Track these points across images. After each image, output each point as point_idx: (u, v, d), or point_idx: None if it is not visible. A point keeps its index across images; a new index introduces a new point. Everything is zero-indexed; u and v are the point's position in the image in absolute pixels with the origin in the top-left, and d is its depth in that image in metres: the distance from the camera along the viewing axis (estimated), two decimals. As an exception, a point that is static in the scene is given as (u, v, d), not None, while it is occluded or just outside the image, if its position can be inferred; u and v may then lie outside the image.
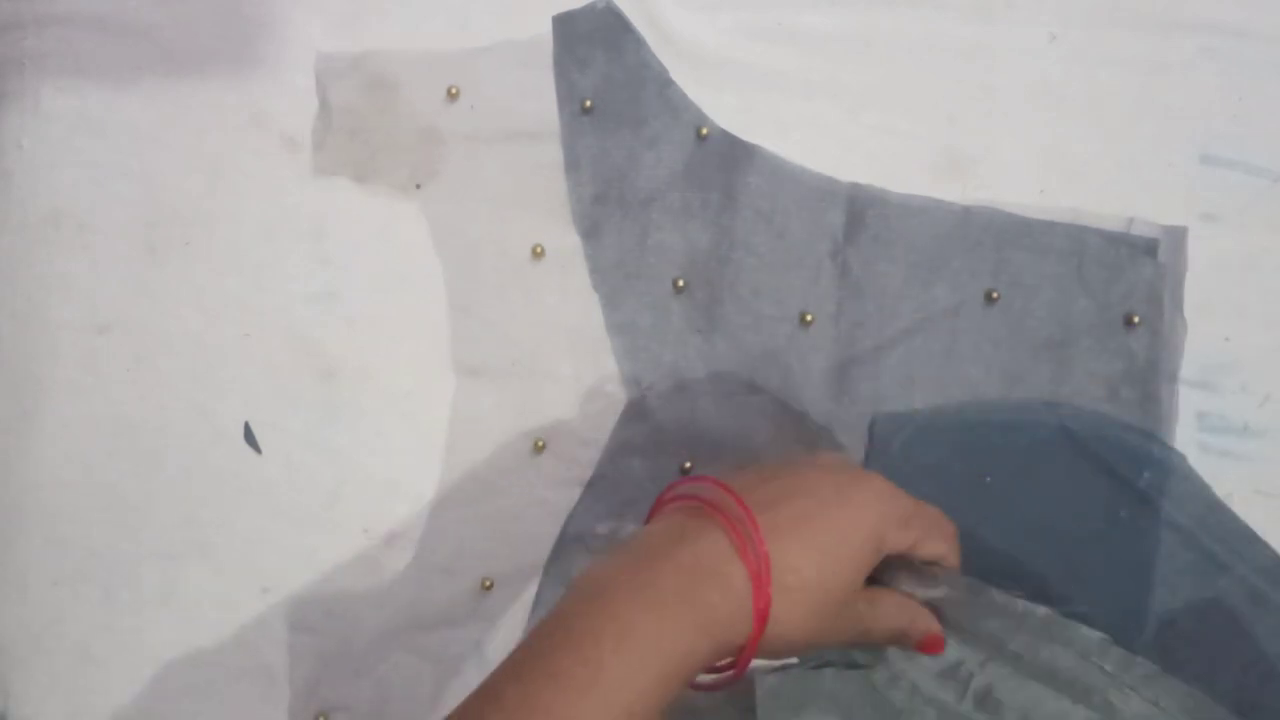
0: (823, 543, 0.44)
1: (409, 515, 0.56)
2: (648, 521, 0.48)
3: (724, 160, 0.57)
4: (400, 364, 0.56)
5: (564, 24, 0.56)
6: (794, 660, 0.48)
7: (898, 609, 0.47)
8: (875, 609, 0.47)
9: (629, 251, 0.57)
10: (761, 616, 0.43)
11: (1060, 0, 0.58)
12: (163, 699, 0.55)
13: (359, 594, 0.55)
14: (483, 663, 0.56)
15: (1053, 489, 0.56)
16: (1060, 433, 0.56)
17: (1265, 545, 0.56)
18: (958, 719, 0.47)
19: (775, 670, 0.48)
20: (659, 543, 0.44)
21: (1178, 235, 0.57)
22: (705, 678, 0.45)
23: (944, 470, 0.56)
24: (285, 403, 0.56)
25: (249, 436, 0.56)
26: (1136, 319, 0.57)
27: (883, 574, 0.48)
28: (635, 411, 0.56)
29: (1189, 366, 0.57)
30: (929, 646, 0.47)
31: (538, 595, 0.56)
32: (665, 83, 0.57)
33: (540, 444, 0.56)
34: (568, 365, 0.56)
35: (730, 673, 0.44)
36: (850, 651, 0.49)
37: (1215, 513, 0.56)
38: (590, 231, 0.57)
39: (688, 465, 0.57)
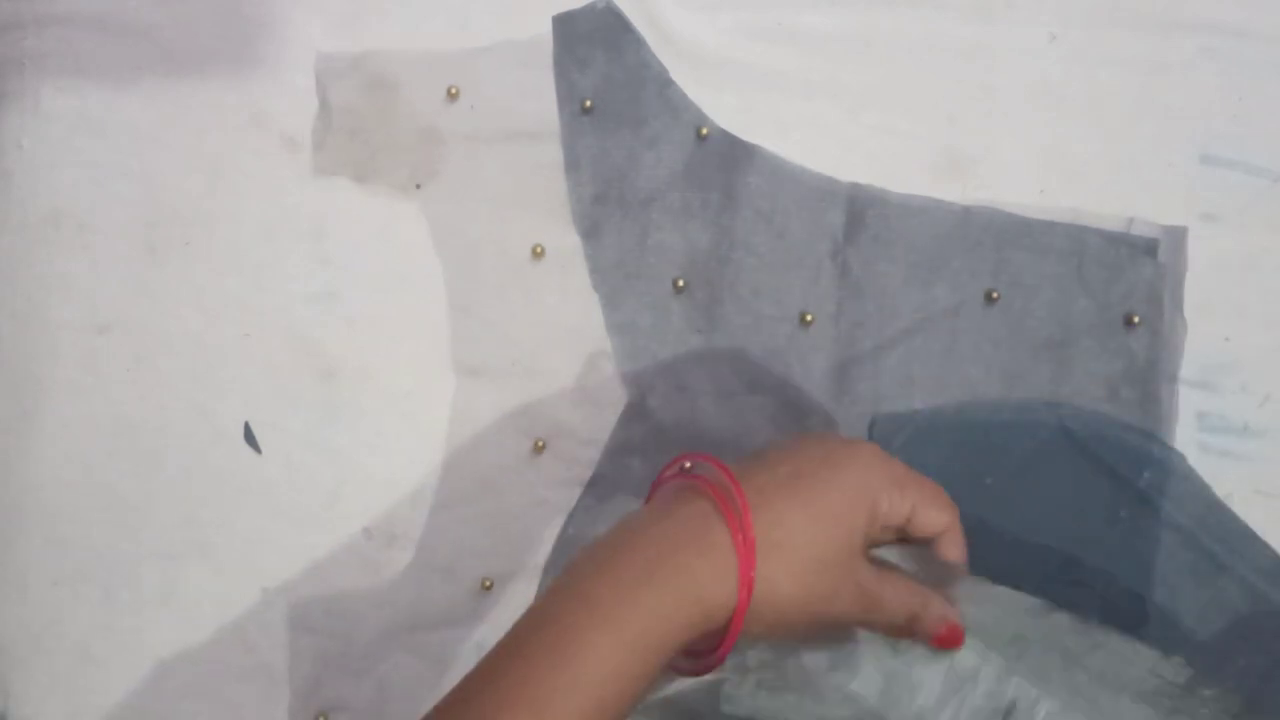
0: (810, 499, 0.43)
1: (409, 515, 0.56)
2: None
3: (724, 160, 0.57)
4: (400, 364, 0.56)
5: (564, 24, 0.56)
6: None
7: (910, 591, 0.45)
8: (883, 584, 0.44)
9: (629, 251, 0.57)
10: (748, 578, 0.41)
11: (1060, 0, 0.58)
12: (163, 699, 0.55)
13: (359, 594, 0.55)
14: (483, 663, 0.56)
15: (1053, 489, 0.56)
16: (1060, 433, 0.56)
17: (1265, 545, 0.56)
18: None
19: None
20: (640, 520, 0.44)
21: (1178, 235, 0.57)
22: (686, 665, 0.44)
23: (944, 470, 0.56)
24: (285, 403, 0.56)
25: (249, 436, 0.56)
26: (1136, 319, 0.57)
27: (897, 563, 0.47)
28: (635, 411, 0.56)
29: (1189, 366, 0.57)
30: (947, 639, 0.45)
31: (538, 595, 0.56)
32: (665, 83, 0.57)
33: (540, 444, 0.56)
34: (568, 365, 0.56)
35: (718, 651, 0.43)
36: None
37: (1215, 513, 0.56)
38: (590, 231, 0.57)
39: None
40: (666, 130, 0.57)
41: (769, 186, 0.57)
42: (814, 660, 0.46)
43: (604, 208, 0.57)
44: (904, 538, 0.47)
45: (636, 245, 0.57)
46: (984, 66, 0.58)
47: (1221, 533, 0.56)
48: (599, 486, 0.56)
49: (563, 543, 0.56)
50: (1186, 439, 0.57)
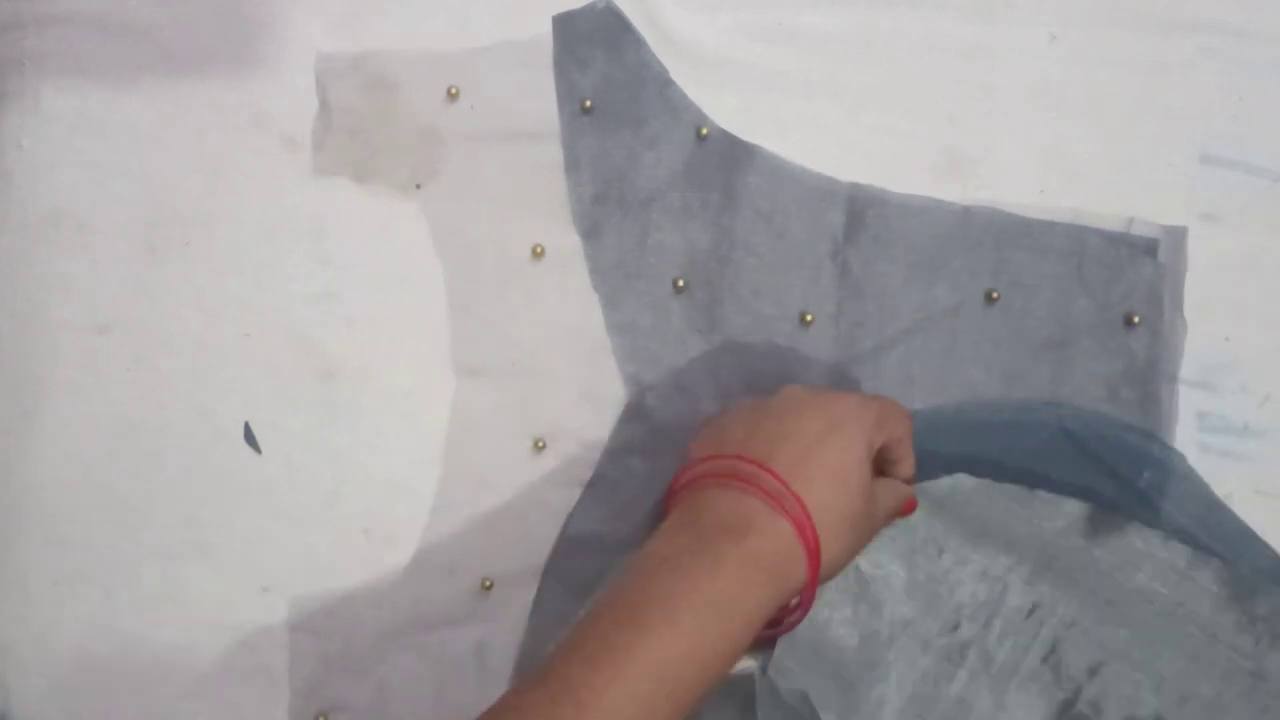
0: (834, 470, 0.48)
1: (409, 515, 0.56)
2: (666, 512, 0.49)
3: (724, 160, 0.57)
4: (400, 364, 0.56)
5: (564, 24, 0.56)
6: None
7: (897, 487, 0.52)
8: (887, 497, 0.51)
9: (629, 251, 0.57)
10: (814, 555, 0.46)
11: (1060, 0, 0.58)
12: (163, 699, 0.55)
13: (359, 594, 0.55)
14: (483, 663, 0.56)
15: (1053, 489, 0.56)
16: (1060, 433, 0.56)
17: (1265, 545, 0.56)
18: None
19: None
20: (696, 517, 0.47)
21: (1178, 235, 0.57)
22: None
23: (944, 470, 0.56)
24: (285, 403, 0.56)
25: (249, 436, 0.56)
26: (1136, 319, 0.57)
27: None
28: (635, 411, 0.56)
29: (1189, 366, 0.57)
30: (909, 510, 0.53)
31: (538, 595, 0.56)
32: (665, 83, 0.57)
33: (540, 444, 0.56)
34: (568, 365, 0.56)
35: (797, 614, 0.48)
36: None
37: (1215, 513, 0.56)
38: (590, 231, 0.57)
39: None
40: (666, 130, 0.57)
41: (769, 186, 0.57)
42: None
43: (604, 208, 0.57)
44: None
45: (636, 245, 0.57)
46: (984, 66, 0.58)
47: (1221, 533, 0.56)
48: (599, 486, 0.56)
49: (563, 543, 0.56)
50: (1186, 439, 0.57)
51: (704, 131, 0.57)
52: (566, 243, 0.57)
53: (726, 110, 0.57)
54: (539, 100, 0.56)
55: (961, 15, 0.58)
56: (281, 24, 0.56)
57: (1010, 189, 0.57)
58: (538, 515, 0.56)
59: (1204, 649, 0.54)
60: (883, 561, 0.55)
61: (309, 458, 0.56)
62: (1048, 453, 0.56)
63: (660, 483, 0.56)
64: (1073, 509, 0.55)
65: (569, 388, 0.56)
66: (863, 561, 0.54)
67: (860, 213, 0.57)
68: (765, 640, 0.52)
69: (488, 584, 0.56)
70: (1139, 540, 0.55)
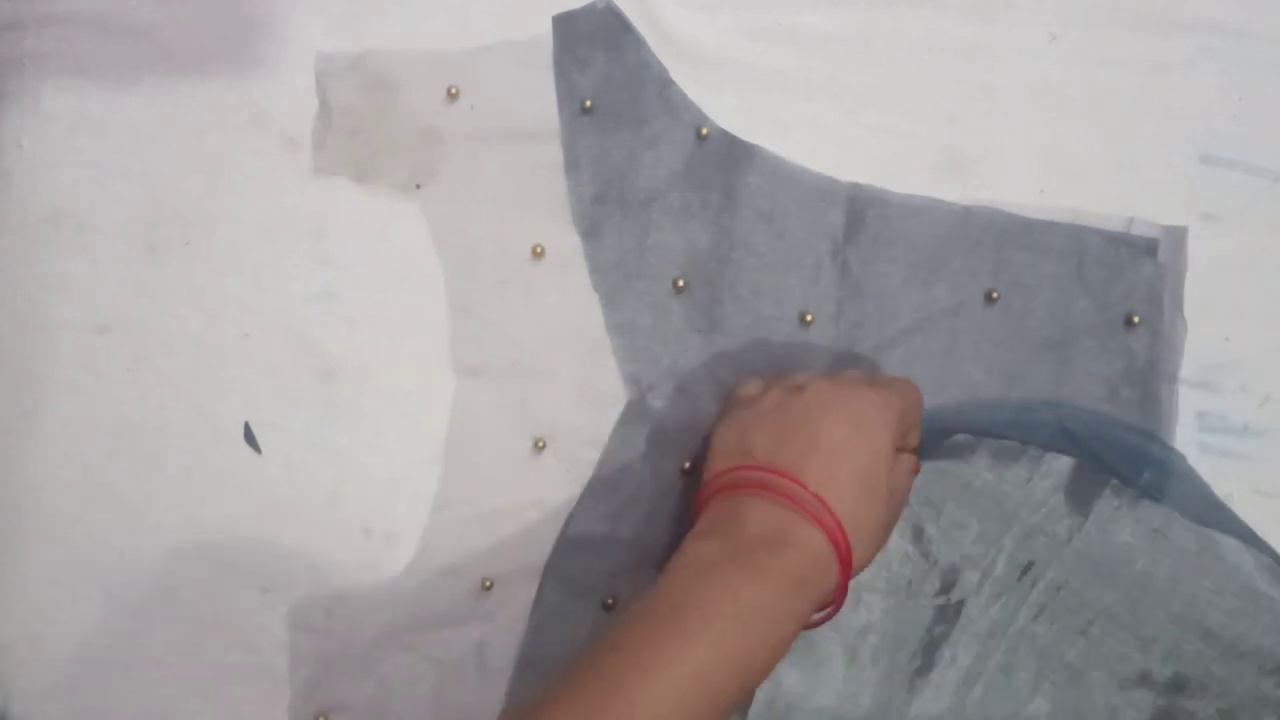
0: (863, 477, 0.48)
1: (409, 515, 0.56)
2: (696, 514, 0.50)
3: (724, 160, 0.57)
4: (400, 364, 0.56)
5: (564, 24, 0.56)
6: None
7: (912, 464, 0.52)
8: (906, 481, 0.51)
9: (629, 251, 0.57)
10: (846, 563, 0.47)
11: (1060, 0, 0.58)
12: (163, 699, 0.55)
13: (359, 594, 0.55)
14: (483, 663, 0.56)
15: (1053, 489, 0.56)
16: (1060, 433, 0.56)
17: (1265, 545, 0.56)
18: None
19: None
20: (734, 526, 0.47)
21: (1178, 235, 0.57)
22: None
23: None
24: (285, 403, 0.56)
25: (249, 436, 0.56)
26: (1136, 319, 0.57)
27: None
28: (635, 411, 0.56)
29: (1189, 366, 0.57)
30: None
31: (538, 595, 0.56)
32: (665, 83, 0.57)
33: (540, 444, 0.56)
34: (568, 365, 0.56)
35: (830, 609, 0.49)
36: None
37: (1215, 513, 0.56)
38: (590, 231, 0.57)
39: (687, 465, 0.57)
40: (666, 130, 0.57)
41: (769, 186, 0.57)
42: None
43: (604, 208, 0.57)
44: None
45: (636, 245, 0.57)
46: (984, 66, 0.58)
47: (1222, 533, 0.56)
48: (599, 486, 0.56)
49: (563, 543, 0.56)
50: (1186, 439, 0.57)
51: (704, 131, 0.57)
52: (566, 243, 0.57)
53: (726, 110, 0.57)
54: (539, 100, 0.56)
55: (961, 15, 0.57)
56: (281, 24, 0.56)
57: (1010, 189, 0.57)
58: (538, 515, 0.56)
59: (1187, 609, 0.55)
60: None
61: (309, 458, 0.56)
62: (1048, 453, 0.56)
63: (660, 482, 0.56)
64: (1060, 465, 0.56)
65: (569, 388, 0.56)
66: None
67: (860, 213, 0.57)
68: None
69: (488, 584, 0.56)
70: (1116, 499, 0.55)
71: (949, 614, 0.55)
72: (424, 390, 0.56)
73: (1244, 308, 0.57)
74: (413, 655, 0.56)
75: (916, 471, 0.53)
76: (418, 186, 0.56)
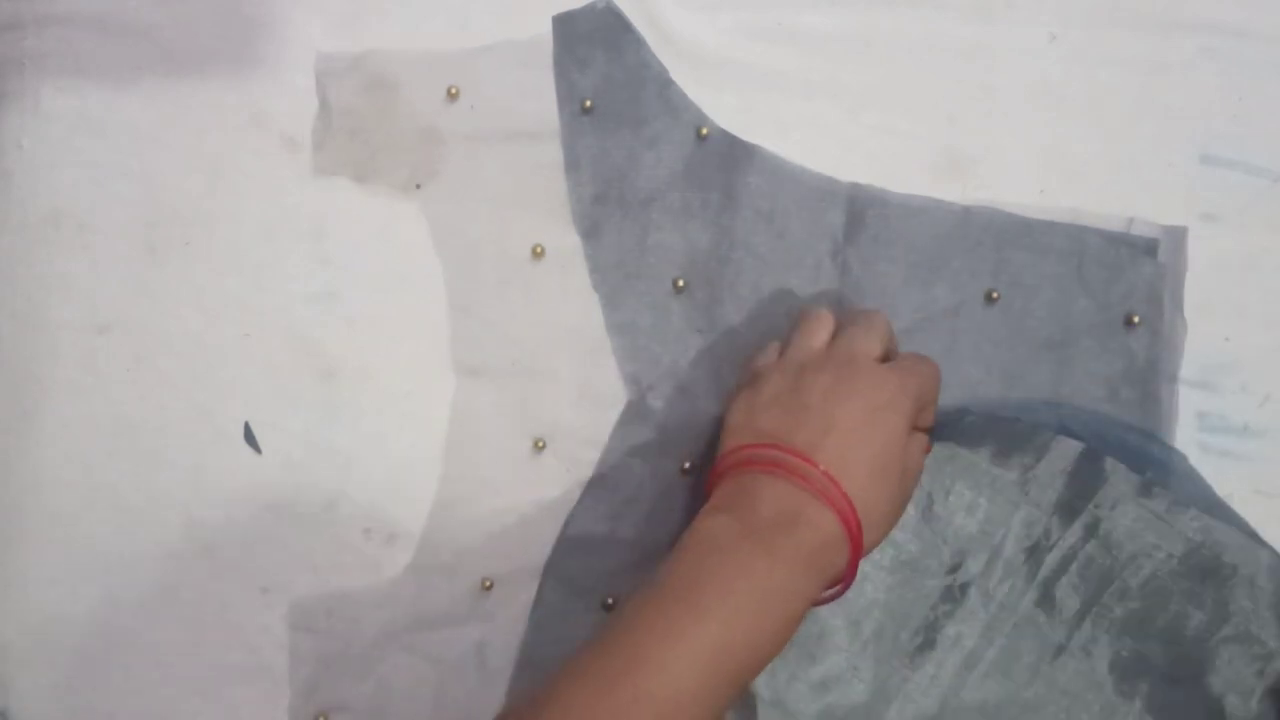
0: (877, 459, 0.48)
1: (409, 515, 0.56)
2: (708, 490, 0.50)
3: (724, 160, 0.57)
4: (400, 364, 0.56)
5: (564, 24, 0.56)
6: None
7: (924, 443, 0.52)
8: (919, 458, 0.51)
9: (629, 251, 0.57)
10: (856, 544, 0.47)
11: (1060, 0, 0.58)
12: (163, 699, 0.55)
13: (359, 594, 0.55)
14: (483, 663, 0.56)
15: (1053, 489, 0.56)
16: (1060, 433, 0.56)
17: (1265, 545, 0.56)
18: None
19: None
20: (747, 504, 0.48)
21: (1178, 235, 0.57)
22: None
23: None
24: (285, 403, 0.56)
25: (249, 436, 0.56)
26: (1136, 319, 0.57)
27: None
28: (635, 411, 0.56)
29: (1189, 366, 0.57)
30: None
31: (538, 595, 0.56)
32: (665, 83, 0.57)
33: (540, 444, 0.56)
34: (568, 365, 0.56)
35: (838, 587, 0.49)
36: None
37: (1216, 512, 0.56)
38: (590, 231, 0.57)
39: (687, 465, 0.57)
40: (666, 130, 0.57)
41: (769, 186, 0.57)
42: None
43: (604, 208, 0.57)
44: None
45: (636, 245, 0.57)
46: (984, 66, 0.58)
47: (1221, 533, 0.56)
48: (599, 486, 0.56)
49: (563, 543, 0.56)
50: (1186, 439, 0.57)
51: (704, 131, 0.57)
52: (566, 243, 0.57)
53: (726, 110, 0.57)
54: (539, 100, 0.56)
55: (961, 15, 0.57)
56: (281, 24, 0.56)
57: (1010, 189, 0.57)
58: (538, 515, 0.56)
59: (1188, 594, 0.55)
60: None
61: (309, 458, 0.56)
62: (1048, 453, 0.56)
63: (660, 483, 0.56)
64: (1068, 449, 0.55)
65: (569, 388, 0.56)
66: None
67: (860, 213, 0.57)
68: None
69: (488, 584, 0.56)
70: (1123, 483, 0.55)
71: (954, 594, 0.56)
72: (424, 390, 0.56)
73: (1244, 308, 0.57)
74: (413, 655, 0.56)
75: (929, 450, 0.53)
76: (418, 186, 0.56)
